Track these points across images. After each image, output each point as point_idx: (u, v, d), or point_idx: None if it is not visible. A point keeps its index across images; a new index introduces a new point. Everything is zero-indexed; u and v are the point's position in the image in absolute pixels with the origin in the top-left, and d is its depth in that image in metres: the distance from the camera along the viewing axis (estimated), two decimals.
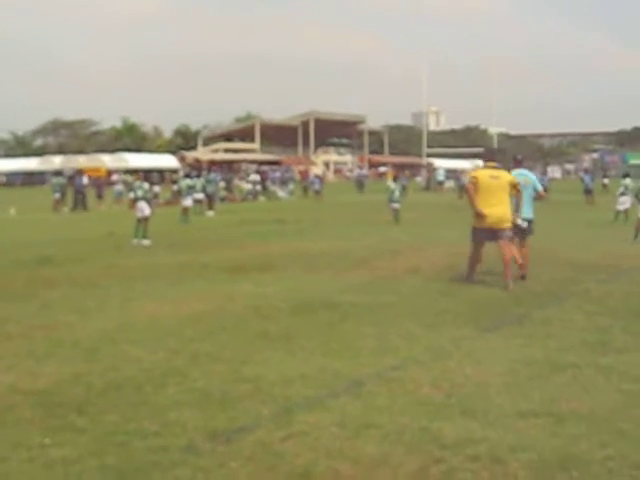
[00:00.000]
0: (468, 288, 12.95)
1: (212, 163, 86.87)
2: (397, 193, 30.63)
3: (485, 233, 13.19)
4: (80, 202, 42.61)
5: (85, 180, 44.01)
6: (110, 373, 7.73)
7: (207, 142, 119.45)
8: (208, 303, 11.69)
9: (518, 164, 15.15)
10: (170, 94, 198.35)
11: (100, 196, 47.07)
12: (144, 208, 22.31)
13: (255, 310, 11.00)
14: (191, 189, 33.61)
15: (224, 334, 9.48)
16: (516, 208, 13.64)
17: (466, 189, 13.92)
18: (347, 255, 17.10)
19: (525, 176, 14.58)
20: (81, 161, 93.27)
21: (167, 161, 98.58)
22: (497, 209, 13.04)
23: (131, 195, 23.55)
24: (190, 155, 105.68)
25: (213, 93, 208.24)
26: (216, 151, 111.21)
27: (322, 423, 6.18)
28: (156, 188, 37.78)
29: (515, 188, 13.35)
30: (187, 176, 36.92)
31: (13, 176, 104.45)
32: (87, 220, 34.53)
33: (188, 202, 32.41)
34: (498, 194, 13.09)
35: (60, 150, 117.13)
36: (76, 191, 43.28)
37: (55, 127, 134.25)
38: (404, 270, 15.14)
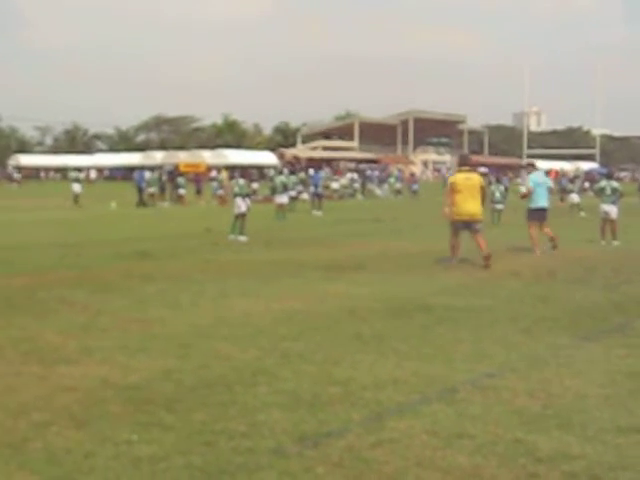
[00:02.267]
0: (567, 294, 12.59)
1: (311, 161, 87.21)
2: (498, 194, 30.23)
3: (461, 224, 16.37)
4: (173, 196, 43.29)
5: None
6: (201, 370, 7.70)
7: (306, 140, 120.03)
8: (301, 302, 11.62)
9: (533, 168, 20.82)
10: (270, 92, 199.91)
11: (199, 192, 47.59)
12: (241, 204, 22.42)
13: (348, 311, 10.88)
14: (287, 186, 33.67)
15: (316, 334, 9.38)
16: (482, 201, 16.75)
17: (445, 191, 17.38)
18: (443, 256, 16.83)
19: (543, 177, 20.13)
20: (182, 157, 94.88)
21: (266, 158, 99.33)
22: (471, 205, 16.20)
23: (220, 192, 23.70)
24: (289, 152, 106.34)
25: (313, 92, 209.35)
26: (315, 149, 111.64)
27: (413, 430, 6.01)
28: (255, 185, 38.03)
29: (483, 189, 16.56)
30: (282, 173, 37.02)
31: (115, 170, 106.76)
32: (185, 215, 34.92)
33: (283, 199, 32.49)
34: (471, 193, 16.23)
35: (162, 146, 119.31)
36: (174, 186, 43.97)
37: (158, 123, 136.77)
38: (502, 273, 14.85)
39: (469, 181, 16.30)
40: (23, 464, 5.35)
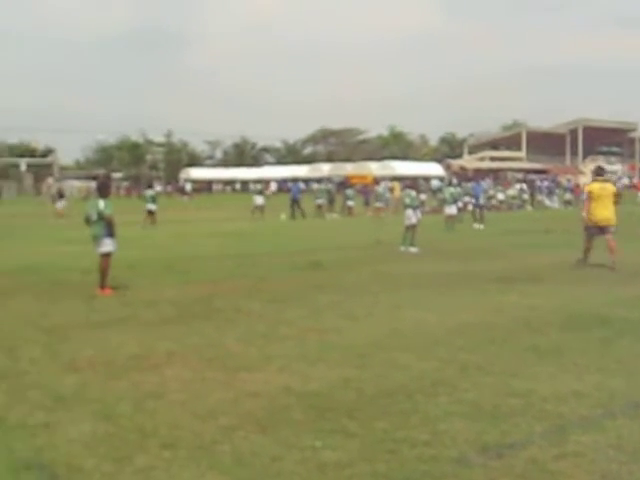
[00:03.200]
0: None
1: (478, 171, 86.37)
2: None
3: (597, 229, 17.65)
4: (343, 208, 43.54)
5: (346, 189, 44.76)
6: (380, 379, 7.79)
7: (473, 150, 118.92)
8: (476, 313, 11.57)
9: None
10: (436, 103, 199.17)
11: (367, 203, 47.92)
12: (412, 216, 22.46)
13: (524, 323, 10.76)
14: (455, 197, 33.43)
15: (493, 346, 9.33)
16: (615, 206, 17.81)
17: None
18: (620, 267, 16.39)
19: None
20: (349, 169, 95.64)
21: (433, 169, 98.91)
22: (606, 212, 17.54)
23: (378, 204, 23.69)
24: (456, 163, 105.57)
25: (479, 101, 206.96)
26: (482, 159, 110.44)
27: (598, 444, 5.92)
28: (422, 196, 37.94)
29: (616, 196, 17.87)
30: (451, 184, 36.66)
31: (283, 182, 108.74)
32: (354, 226, 35.21)
33: (452, 210, 32.31)
34: (606, 200, 17.59)
35: (328, 158, 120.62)
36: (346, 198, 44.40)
37: (324, 135, 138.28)
38: None
39: (604, 190, 17.77)
40: (213, 465, 5.58)
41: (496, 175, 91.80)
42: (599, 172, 19.08)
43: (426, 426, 6.33)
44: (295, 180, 44.04)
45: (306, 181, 58.58)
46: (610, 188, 18.15)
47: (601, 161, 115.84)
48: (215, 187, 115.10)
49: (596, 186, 18.05)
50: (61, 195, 47.45)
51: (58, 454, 5.83)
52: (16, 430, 6.37)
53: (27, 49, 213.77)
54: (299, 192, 43.54)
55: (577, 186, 63.41)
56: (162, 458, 5.72)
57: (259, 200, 43.30)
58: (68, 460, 5.70)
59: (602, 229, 17.70)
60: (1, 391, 7.55)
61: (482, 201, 36.39)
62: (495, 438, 6.05)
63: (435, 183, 58.61)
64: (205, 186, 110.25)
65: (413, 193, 23.63)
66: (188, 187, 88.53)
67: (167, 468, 5.54)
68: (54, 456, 5.79)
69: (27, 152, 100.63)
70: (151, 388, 7.56)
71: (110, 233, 14.07)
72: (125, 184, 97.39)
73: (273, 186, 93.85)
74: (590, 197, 17.85)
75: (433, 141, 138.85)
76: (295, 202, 43.15)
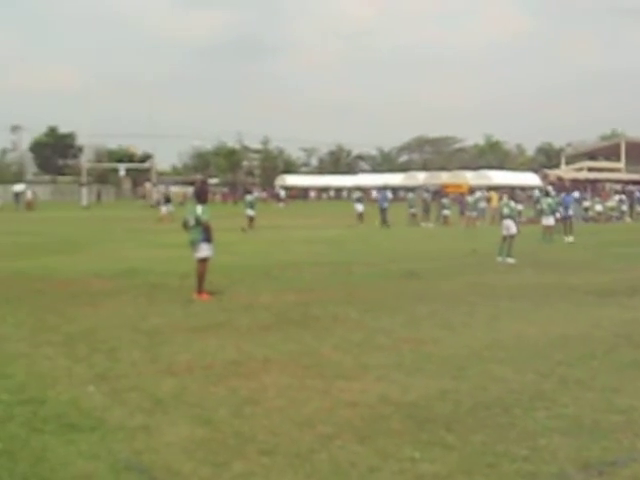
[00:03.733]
0: None
1: (575, 182, 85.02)
2: None
3: None
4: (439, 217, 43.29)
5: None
6: (478, 392, 7.72)
7: (570, 160, 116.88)
8: (575, 326, 11.38)
9: None
10: (533, 112, 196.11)
11: (463, 212, 47.55)
12: (510, 226, 22.24)
13: (625, 337, 10.54)
14: (553, 208, 32.86)
15: (593, 360, 9.15)
16: None
17: None
18: None
19: None
20: (444, 178, 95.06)
21: (529, 179, 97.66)
22: None
23: (470, 213, 23.42)
24: (552, 173, 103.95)
25: (577, 111, 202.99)
26: (580, 170, 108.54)
27: None
28: (519, 206, 37.40)
29: None
30: (549, 194, 35.95)
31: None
32: (450, 236, 34.99)
33: (550, 221, 31.81)
34: None
35: (424, 166, 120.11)
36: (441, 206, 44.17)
37: (420, 144, 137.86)
38: None
39: None
40: (310, 474, 5.60)
41: (594, 186, 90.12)
42: None
43: (525, 441, 6.24)
44: (384, 188, 43.50)
45: (394, 190, 57.85)
46: None
47: None
48: (311, 194, 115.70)
49: None
50: (167, 200, 48.33)
51: (157, 457, 5.91)
52: (116, 432, 6.48)
53: (127, 57, 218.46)
54: (386, 200, 43.20)
55: None
56: (260, 464, 5.75)
57: (359, 207, 43.65)
58: (167, 463, 5.78)
59: None
60: (102, 393, 7.69)
61: (571, 212, 35.49)
62: (596, 455, 5.94)
63: (536, 193, 57.72)
64: (300, 193, 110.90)
65: (512, 203, 23.41)
66: (282, 193, 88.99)
67: (265, 475, 5.57)
68: (153, 459, 5.87)
69: (126, 157, 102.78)
70: (249, 394, 7.62)
71: (207, 238, 14.25)
72: (224, 190, 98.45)
73: (374, 194, 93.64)
74: None
75: (530, 151, 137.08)
76: (381, 210, 42.69)
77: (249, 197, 38.17)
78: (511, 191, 31.26)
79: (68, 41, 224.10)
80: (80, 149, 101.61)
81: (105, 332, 10.83)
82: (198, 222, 14.20)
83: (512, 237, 22.17)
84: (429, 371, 8.60)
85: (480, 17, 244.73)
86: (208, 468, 5.68)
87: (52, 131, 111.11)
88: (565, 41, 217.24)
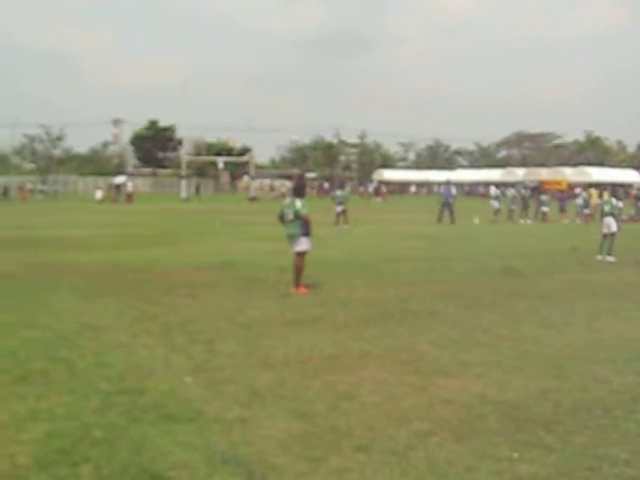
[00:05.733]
0: None
1: None
2: None
3: None
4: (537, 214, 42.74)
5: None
6: (578, 392, 7.58)
7: None
8: None
9: None
10: (635, 107, 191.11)
11: (562, 209, 46.76)
12: (611, 224, 21.77)
13: None
14: None
15: None
16: None
17: None
18: None
19: None
20: (543, 174, 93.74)
21: (630, 176, 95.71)
22: None
23: (586, 210, 22.98)
24: None
25: None
26: None
27: None
28: (620, 204, 36.61)
29: None
30: None
31: (474, 186, 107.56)
32: (549, 233, 34.44)
33: None
34: None
35: (523, 162, 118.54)
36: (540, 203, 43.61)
37: (519, 139, 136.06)
38: None
39: None
40: (406, 471, 5.56)
41: None
42: None
43: (627, 444, 6.11)
44: (447, 183, 42.59)
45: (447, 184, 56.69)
46: None
47: None
48: (412, 189, 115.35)
49: None
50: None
51: (253, 450, 5.94)
52: (213, 424, 6.53)
53: (225, 52, 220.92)
54: (450, 196, 42.12)
55: None
56: (356, 460, 5.74)
57: (496, 204, 44.61)
58: (263, 457, 5.80)
59: None
60: (199, 385, 7.77)
61: None
62: None
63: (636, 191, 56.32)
64: (398, 188, 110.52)
65: (613, 201, 22.91)
66: (372, 188, 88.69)
67: (360, 471, 5.55)
68: (249, 452, 5.90)
69: (224, 151, 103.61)
70: (345, 388, 7.62)
71: (306, 232, 14.28)
72: (326, 185, 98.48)
73: (492, 190, 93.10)
74: None
75: (631, 147, 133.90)
76: (446, 205, 41.10)
77: (339, 192, 36.46)
78: (613, 188, 30.45)
79: (169, 38, 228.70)
80: (179, 142, 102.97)
81: (203, 323, 10.97)
82: (297, 216, 14.24)
83: (613, 235, 21.70)
84: (528, 370, 8.47)
85: (579, 10, 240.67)
86: (304, 463, 5.69)
87: (152, 124, 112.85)
88: None
